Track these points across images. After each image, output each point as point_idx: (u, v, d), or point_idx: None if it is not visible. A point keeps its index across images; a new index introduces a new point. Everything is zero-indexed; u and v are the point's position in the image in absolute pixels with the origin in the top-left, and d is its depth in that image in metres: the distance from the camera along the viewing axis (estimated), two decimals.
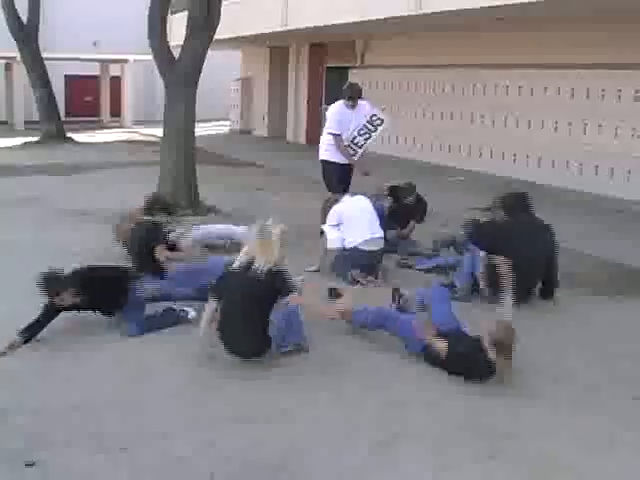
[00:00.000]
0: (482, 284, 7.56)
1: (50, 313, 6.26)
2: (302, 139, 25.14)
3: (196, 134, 12.81)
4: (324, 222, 8.87)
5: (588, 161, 14.55)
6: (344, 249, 8.44)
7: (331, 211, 8.71)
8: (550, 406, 5.33)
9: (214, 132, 29.40)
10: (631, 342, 6.71)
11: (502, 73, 16.58)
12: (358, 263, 8.34)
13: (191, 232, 9.27)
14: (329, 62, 24.49)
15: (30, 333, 6.14)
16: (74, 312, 6.46)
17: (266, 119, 28.14)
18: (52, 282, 6.17)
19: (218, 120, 31.91)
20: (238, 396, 5.36)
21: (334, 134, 9.98)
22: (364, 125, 9.96)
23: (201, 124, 25.42)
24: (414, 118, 19.72)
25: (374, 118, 10.01)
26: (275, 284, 5.80)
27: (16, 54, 26.14)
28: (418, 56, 19.28)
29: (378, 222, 8.64)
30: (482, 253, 7.63)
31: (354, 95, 9.94)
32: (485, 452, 4.65)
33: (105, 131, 30.58)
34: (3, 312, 6.58)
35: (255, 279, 5.76)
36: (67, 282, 6.24)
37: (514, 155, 16.40)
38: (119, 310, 6.61)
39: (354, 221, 8.47)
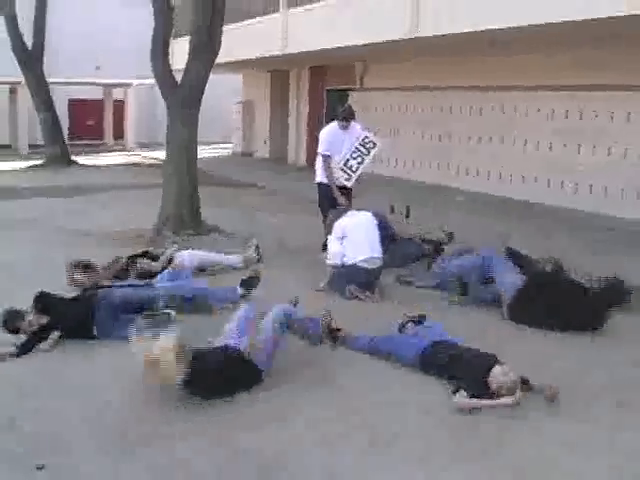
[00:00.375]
0: (505, 309, 7.70)
1: (31, 342, 6.55)
2: (303, 161, 25.37)
3: (198, 156, 13.06)
4: (329, 233, 9.01)
5: (582, 180, 14.81)
6: (342, 265, 8.62)
7: (336, 224, 8.82)
8: (547, 409, 5.52)
9: (216, 154, 29.72)
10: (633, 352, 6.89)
11: (498, 95, 16.89)
12: (356, 280, 8.51)
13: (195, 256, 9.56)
14: (329, 85, 24.77)
15: (22, 350, 6.45)
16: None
17: (267, 141, 28.46)
18: (12, 319, 6.58)
19: (220, 143, 32.25)
20: (238, 398, 5.58)
21: (323, 155, 10.26)
22: (356, 148, 10.02)
23: (203, 146, 25.82)
24: (412, 139, 20.01)
25: (366, 140, 10.08)
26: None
27: (20, 79, 26.51)
28: (416, 79, 19.59)
29: (379, 241, 8.79)
30: (518, 278, 7.87)
31: (347, 116, 10.17)
32: (483, 453, 4.86)
33: (108, 154, 30.91)
34: None
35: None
36: (26, 310, 6.67)
37: (510, 175, 16.67)
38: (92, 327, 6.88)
39: (356, 236, 8.60)
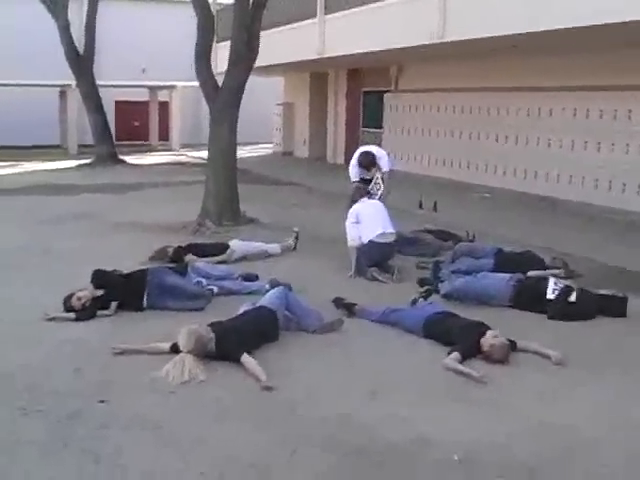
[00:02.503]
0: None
1: (90, 311, 7.67)
2: (341, 160, 26.14)
3: (241, 156, 14.00)
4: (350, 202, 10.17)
5: (602, 177, 15.53)
6: (362, 245, 9.65)
7: (350, 210, 9.94)
8: (519, 368, 6.49)
9: (258, 154, 30.68)
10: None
11: (523, 96, 17.64)
12: (373, 256, 9.62)
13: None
14: (366, 87, 25.70)
15: (81, 316, 7.59)
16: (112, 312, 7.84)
17: (307, 141, 29.37)
18: (65, 301, 7.75)
19: (262, 143, 33.20)
20: (257, 355, 6.50)
21: (353, 182, 11.10)
22: (372, 187, 10.89)
23: (246, 147, 26.89)
24: (442, 138, 20.88)
25: (377, 181, 10.95)
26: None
27: (70, 81, 27.95)
28: (446, 81, 20.34)
29: (389, 221, 9.86)
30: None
31: (367, 165, 11.02)
32: (461, 397, 5.84)
33: (154, 154, 32.04)
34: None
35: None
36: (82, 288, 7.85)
37: (535, 172, 17.42)
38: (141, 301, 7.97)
39: (369, 218, 9.72)
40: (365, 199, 10.11)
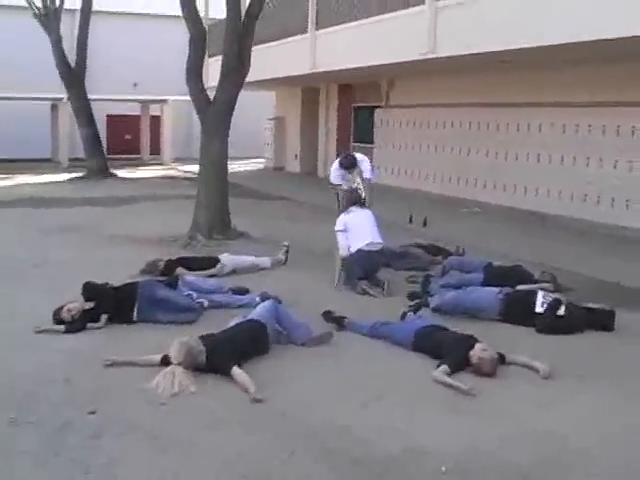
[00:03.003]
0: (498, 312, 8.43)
1: (80, 323, 7.72)
2: None
3: (233, 170, 14.04)
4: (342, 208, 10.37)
5: (591, 192, 15.63)
6: (350, 255, 9.70)
7: (339, 219, 10.02)
8: (507, 380, 6.58)
9: (250, 169, 30.73)
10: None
11: (513, 111, 17.75)
12: (364, 265, 9.68)
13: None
14: (357, 102, 25.84)
15: (71, 328, 7.64)
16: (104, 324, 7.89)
17: (298, 156, 29.44)
18: (55, 314, 7.79)
19: (254, 158, 33.26)
20: (247, 366, 6.55)
21: (333, 183, 11.51)
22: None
23: (238, 161, 26.95)
24: (433, 153, 20.97)
25: (358, 187, 11.14)
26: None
27: (62, 95, 28.00)
28: (437, 96, 20.47)
29: (378, 232, 9.93)
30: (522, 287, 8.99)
31: (348, 166, 11.24)
32: (453, 407, 5.92)
33: (145, 168, 31.96)
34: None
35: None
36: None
37: (525, 187, 17.52)
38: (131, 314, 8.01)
39: (356, 228, 9.79)
40: (355, 207, 10.15)
